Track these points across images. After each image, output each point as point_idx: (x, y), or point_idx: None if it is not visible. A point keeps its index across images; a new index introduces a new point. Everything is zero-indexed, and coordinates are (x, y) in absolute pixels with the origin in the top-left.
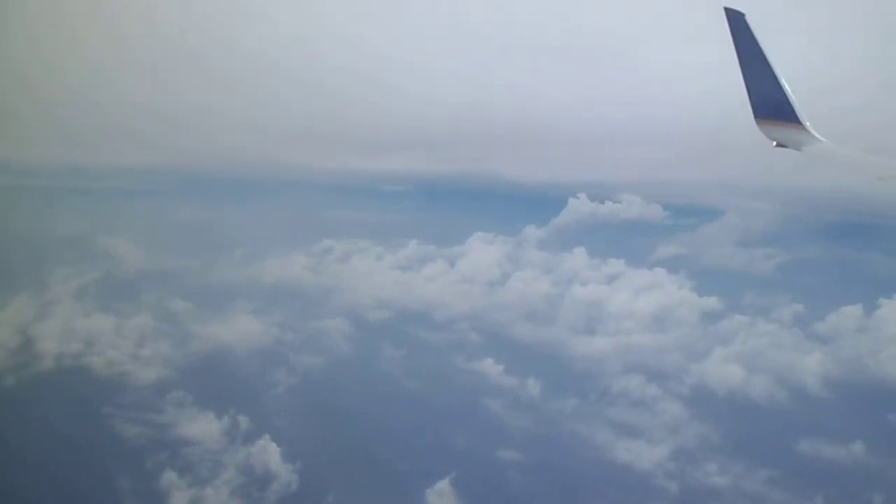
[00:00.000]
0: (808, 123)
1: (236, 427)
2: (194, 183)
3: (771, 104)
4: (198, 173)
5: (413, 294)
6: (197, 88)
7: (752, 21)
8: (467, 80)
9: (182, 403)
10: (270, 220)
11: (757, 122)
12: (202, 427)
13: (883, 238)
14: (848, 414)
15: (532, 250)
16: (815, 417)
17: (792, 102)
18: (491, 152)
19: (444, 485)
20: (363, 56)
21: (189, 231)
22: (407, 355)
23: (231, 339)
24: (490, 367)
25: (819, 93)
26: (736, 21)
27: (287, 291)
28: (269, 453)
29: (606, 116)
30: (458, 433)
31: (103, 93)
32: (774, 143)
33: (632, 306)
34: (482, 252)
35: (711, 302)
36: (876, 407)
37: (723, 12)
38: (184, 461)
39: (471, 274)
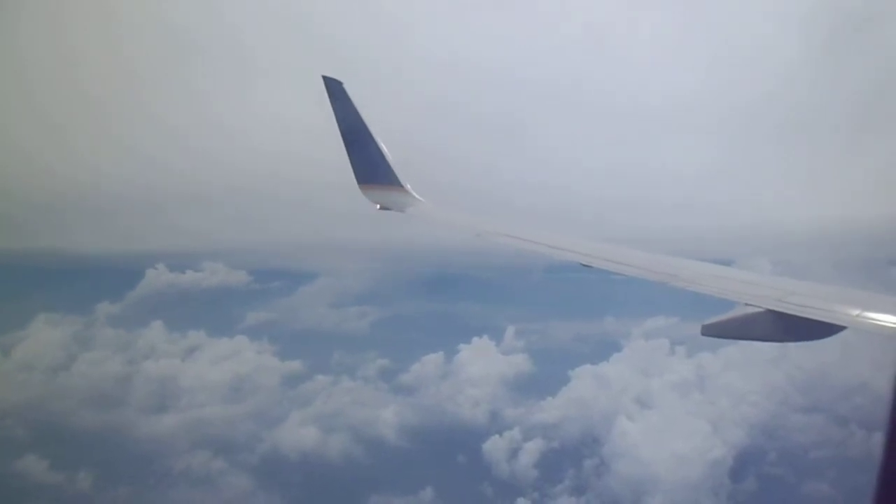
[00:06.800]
0: (408, 185)
1: None
2: None
3: (372, 169)
4: None
5: None
6: None
7: None
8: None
9: None
10: None
11: (360, 188)
12: None
13: (476, 287)
14: (422, 461)
15: (105, 328)
16: (390, 470)
17: (391, 166)
18: (53, 224)
19: None
20: None
21: None
22: None
23: None
24: (32, 464)
25: None
26: (335, 89)
27: None
28: None
29: (184, 178)
30: None
31: None
32: (378, 206)
33: (207, 378)
34: (45, 335)
35: (294, 366)
36: (450, 450)
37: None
38: None
39: (30, 361)
